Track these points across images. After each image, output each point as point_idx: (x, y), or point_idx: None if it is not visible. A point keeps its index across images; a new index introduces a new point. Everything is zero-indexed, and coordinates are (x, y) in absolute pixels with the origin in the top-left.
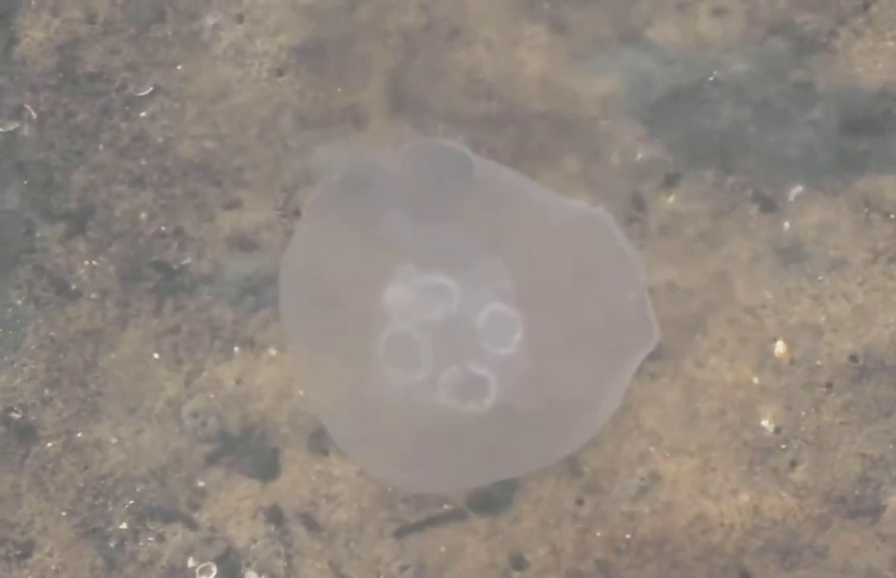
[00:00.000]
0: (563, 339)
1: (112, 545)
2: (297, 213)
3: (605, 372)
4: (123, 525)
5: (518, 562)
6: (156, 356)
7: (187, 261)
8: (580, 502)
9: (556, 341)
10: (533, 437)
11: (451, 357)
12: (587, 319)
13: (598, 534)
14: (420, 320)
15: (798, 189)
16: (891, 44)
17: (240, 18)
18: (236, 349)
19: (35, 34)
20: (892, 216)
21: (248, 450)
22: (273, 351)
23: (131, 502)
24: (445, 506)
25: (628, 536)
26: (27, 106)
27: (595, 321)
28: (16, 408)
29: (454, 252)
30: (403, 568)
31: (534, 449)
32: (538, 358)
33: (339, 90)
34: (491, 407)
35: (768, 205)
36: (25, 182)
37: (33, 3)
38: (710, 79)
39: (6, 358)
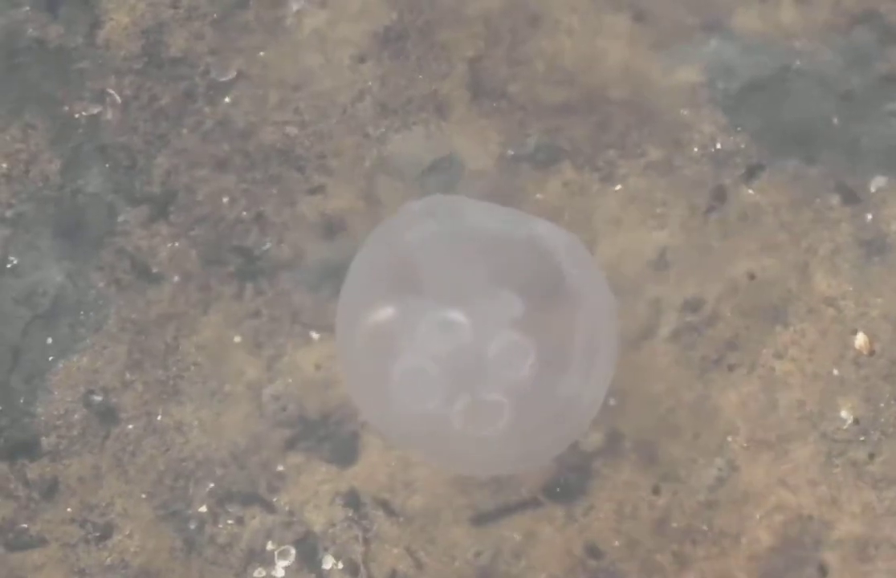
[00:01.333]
0: (560, 352)
1: (192, 527)
2: (378, 202)
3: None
4: (203, 508)
5: (593, 551)
6: (237, 340)
7: (268, 246)
8: (657, 491)
9: (556, 355)
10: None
11: (464, 386)
12: (570, 327)
13: (675, 525)
14: (432, 353)
15: (881, 181)
16: None
17: (323, 4)
18: (315, 335)
19: (119, 18)
20: None
21: (327, 435)
22: None
23: (211, 485)
24: (522, 493)
25: (705, 527)
26: (111, 90)
27: (576, 325)
28: (97, 390)
29: (463, 284)
30: (478, 554)
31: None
32: (542, 375)
33: (420, 77)
34: (504, 429)
35: (850, 197)
36: (108, 165)
37: None
38: (793, 68)
39: (88, 340)
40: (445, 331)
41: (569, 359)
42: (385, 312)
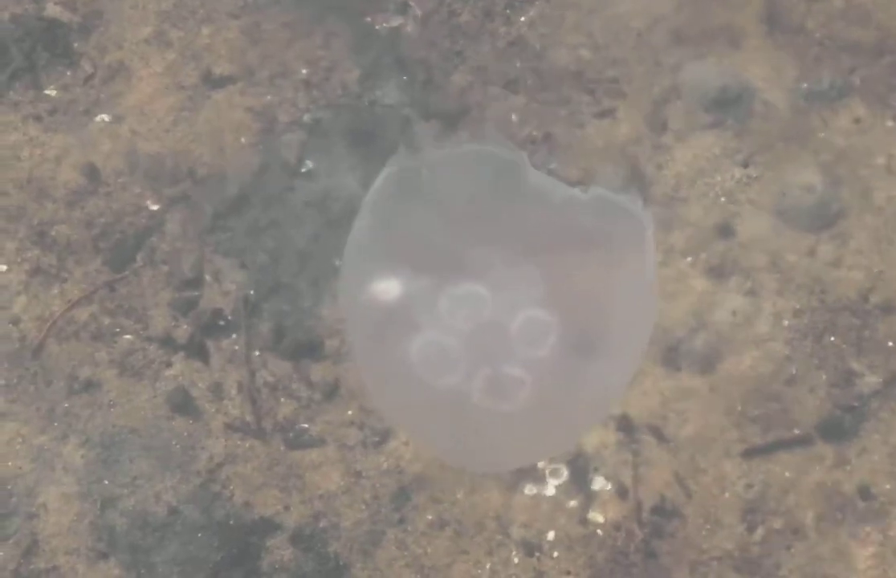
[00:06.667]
0: (590, 331)
1: None
2: (663, 128)
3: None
4: None
5: (864, 493)
6: None
7: (553, 166)
8: None
9: (584, 334)
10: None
11: (485, 361)
12: (608, 308)
13: None
14: (453, 327)
15: None
16: None
17: None
18: None
19: None
20: None
21: None
22: None
23: None
24: (794, 431)
25: None
26: (413, 3)
27: (614, 309)
28: None
29: (483, 259)
30: (748, 487)
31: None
32: (568, 354)
33: (716, 8)
34: (524, 405)
35: None
36: (405, 78)
37: None
38: None
39: None
40: (466, 305)
41: (597, 344)
42: (396, 286)
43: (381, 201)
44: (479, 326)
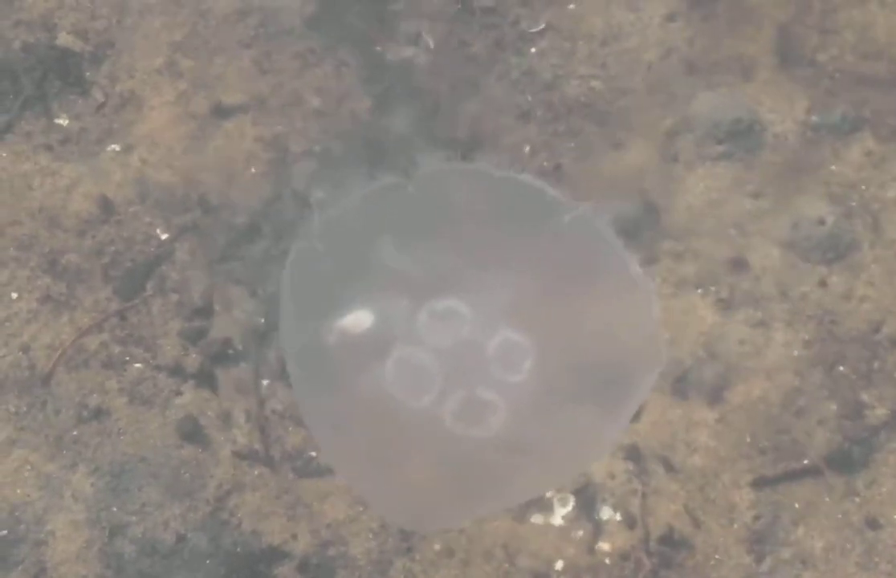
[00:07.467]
0: (573, 365)
1: None
2: (674, 159)
3: (613, 399)
4: None
5: (872, 524)
6: None
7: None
8: None
9: (566, 367)
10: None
11: (460, 381)
12: (596, 343)
13: None
14: (429, 345)
15: None
16: None
17: None
18: None
19: None
20: None
21: None
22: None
23: None
24: (804, 462)
25: None
26: (424, 34)
27: (604, 345)
28: None
29: (465, 277)
30: (757, 518)
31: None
32: (547, 385)
33: (728, 39)
34: (498, 432)
35: None
36: (416, 108)
37: None
38: None
39: None
40: (444, 322)
41: (581, 381)
42: (367, 317)
43: (333, 232)
44: (457, 344)
